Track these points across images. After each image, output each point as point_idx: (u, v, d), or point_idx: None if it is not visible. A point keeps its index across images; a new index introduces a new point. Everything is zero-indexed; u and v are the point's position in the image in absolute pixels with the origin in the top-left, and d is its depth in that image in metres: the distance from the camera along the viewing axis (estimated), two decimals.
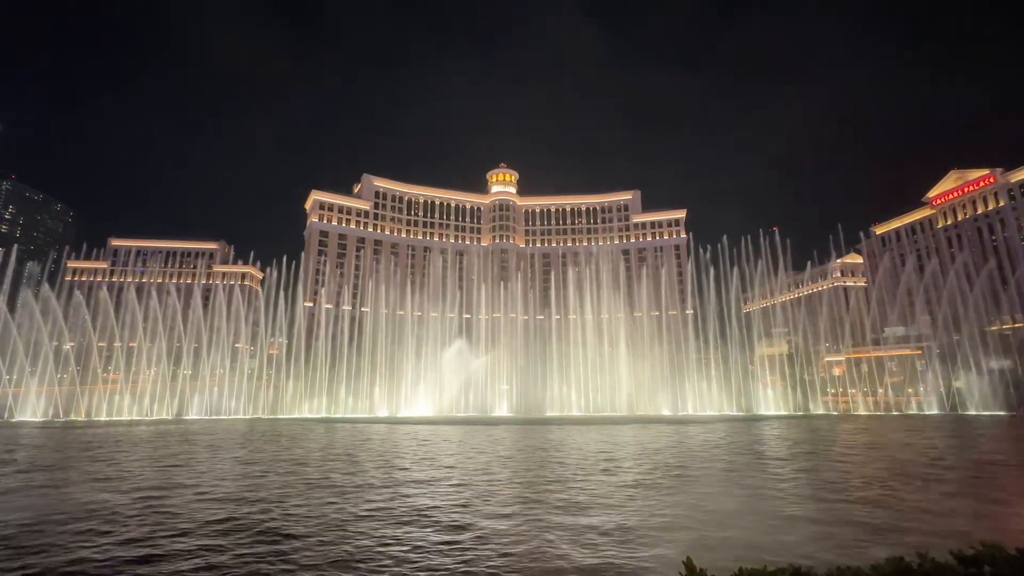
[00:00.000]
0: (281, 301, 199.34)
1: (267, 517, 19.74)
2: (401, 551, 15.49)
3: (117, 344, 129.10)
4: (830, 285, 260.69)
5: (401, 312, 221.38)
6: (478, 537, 16.87)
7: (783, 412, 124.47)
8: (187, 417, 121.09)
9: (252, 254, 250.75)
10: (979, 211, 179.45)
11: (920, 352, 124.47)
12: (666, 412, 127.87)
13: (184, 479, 29.26)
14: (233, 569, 13.70)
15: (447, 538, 16.86)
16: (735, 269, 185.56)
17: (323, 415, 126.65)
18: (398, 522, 19.08)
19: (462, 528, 18.03)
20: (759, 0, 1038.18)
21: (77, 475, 31.28)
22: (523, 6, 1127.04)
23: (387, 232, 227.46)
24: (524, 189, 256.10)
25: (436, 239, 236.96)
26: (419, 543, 16.32)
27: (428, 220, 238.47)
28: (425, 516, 19.97)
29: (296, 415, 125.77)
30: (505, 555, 14.89)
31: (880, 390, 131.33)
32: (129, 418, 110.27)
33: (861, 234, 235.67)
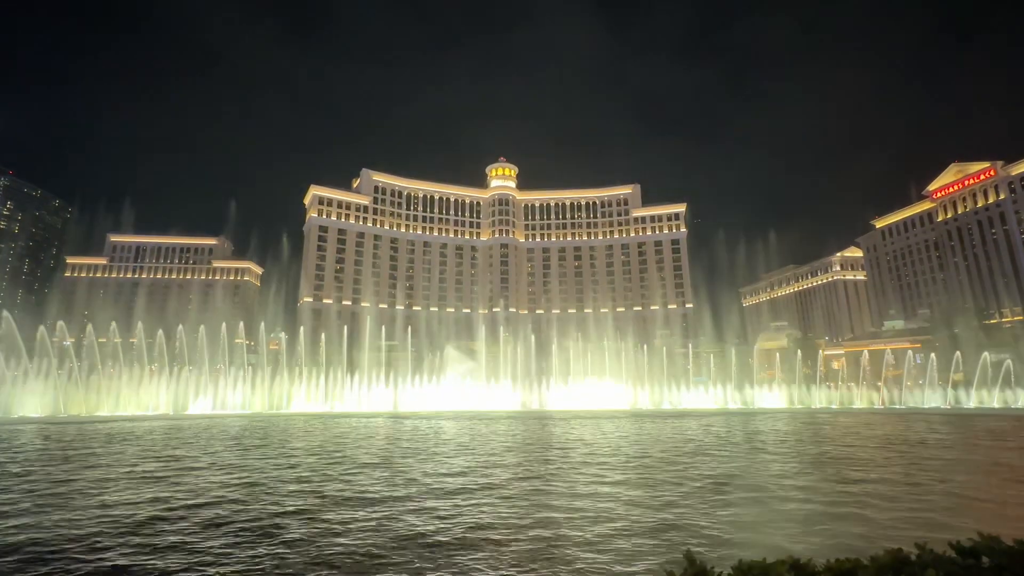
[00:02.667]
0: (281, 296, 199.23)
1: None
2: None
3: (117, 340, 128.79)
4: (830, 279, 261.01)
5: (400, 307, 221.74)
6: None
7: (783, 406, 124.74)
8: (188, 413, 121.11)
9: (251, 249, 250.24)
10: (979, 204, 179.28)
11: (919, 345, 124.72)
12: (667, 406, 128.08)
13: None
14: None
15: None
16: (735, 263, 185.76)
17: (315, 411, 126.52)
18: None
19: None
20: None
21: None
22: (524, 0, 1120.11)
23: (386, 227, 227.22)
24: (524, 183, 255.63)
25: (436, 234, 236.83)
26: None
27: (427, 215, 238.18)
28: None
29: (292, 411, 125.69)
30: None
31: (879, 383, 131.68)
32: (130, 413, 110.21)
33: (861, 227, 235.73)
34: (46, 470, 29.15)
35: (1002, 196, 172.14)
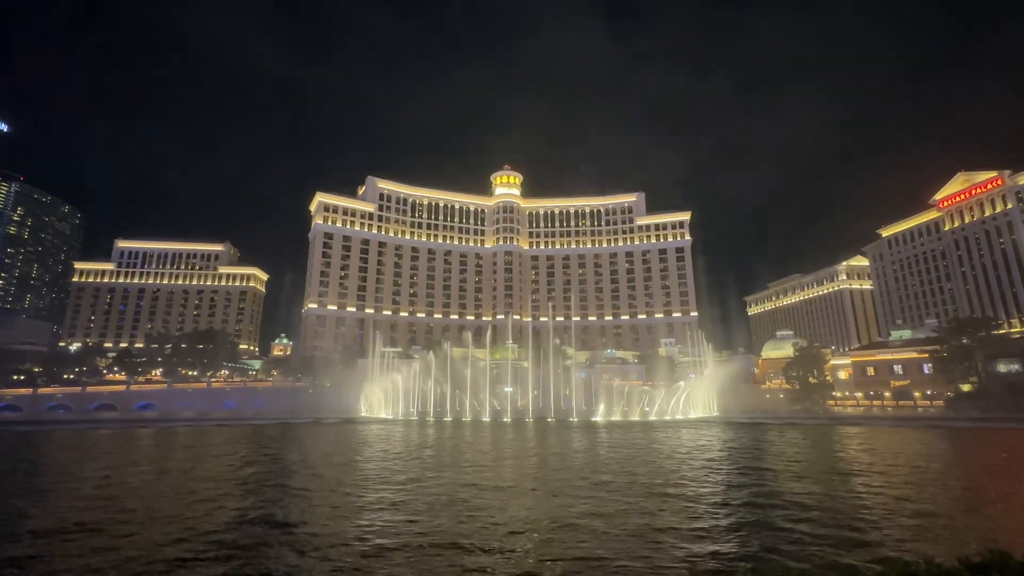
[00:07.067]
0: (286, 302, 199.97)
1: None
2: None
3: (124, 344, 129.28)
4: (836, 288, 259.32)
5: (404, 314, 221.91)
6: None
7: (789, 416, 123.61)
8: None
9: (257, 255, 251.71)
10: (986, 213, 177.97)
11: (927, 355, 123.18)
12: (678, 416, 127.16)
13: None
14: None
15: None
16: (740, 272, 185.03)
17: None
18: None
19: None
20: (766, 4, 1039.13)
21: None
22: (530, 10, 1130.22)
23: (391, 234, 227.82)
24: (528, 191, 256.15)
25: (440, 241, 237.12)
26: None
27: (432, 222, 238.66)
28: None
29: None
30: None
31: (886, 394, 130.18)
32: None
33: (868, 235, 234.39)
34: None
35: (1009, 206, 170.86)
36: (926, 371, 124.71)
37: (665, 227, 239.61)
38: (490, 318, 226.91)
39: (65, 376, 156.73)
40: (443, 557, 18.31)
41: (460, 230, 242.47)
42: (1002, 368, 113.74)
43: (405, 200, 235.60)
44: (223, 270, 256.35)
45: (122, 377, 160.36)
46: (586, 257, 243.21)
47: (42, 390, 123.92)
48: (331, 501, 28.61)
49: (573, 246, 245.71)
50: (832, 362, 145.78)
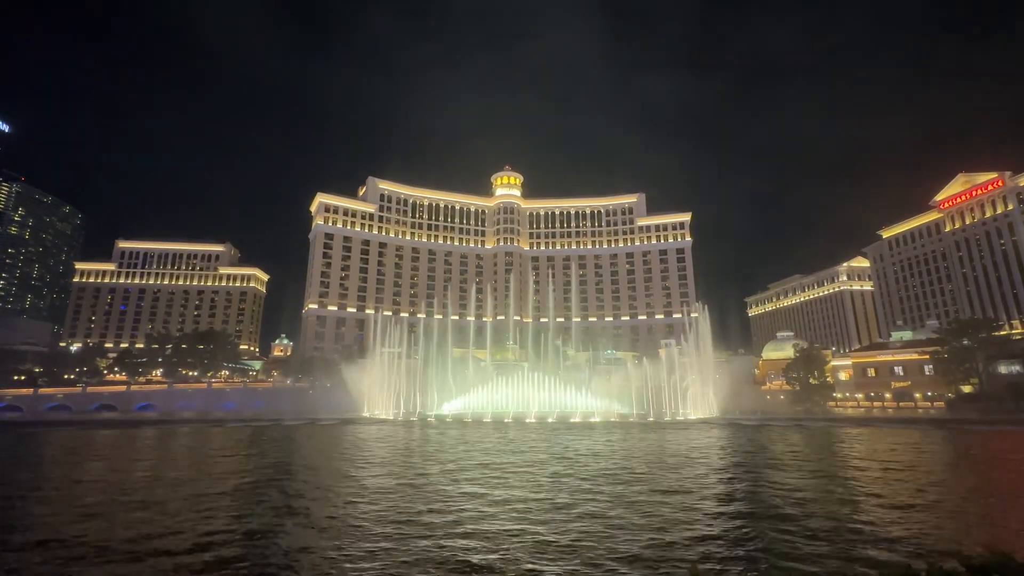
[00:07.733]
0: (286, 302, 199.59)
1: None
2: None
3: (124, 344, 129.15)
4: (836, 289, 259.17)
5: (405, 314, 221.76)
6: None
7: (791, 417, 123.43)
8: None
9: (257, 256, 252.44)
10: (987, 215, 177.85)
11: (927, 356, 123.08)
12: (678, 417, 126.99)
13: None
14: None
15: None
16: (741, 273, 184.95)
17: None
18: None
19: None
20: (768, 7, 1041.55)
21: None
22: (531, 11, 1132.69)
23: (392, 235, 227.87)
24: (529, 192, 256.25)
25: (441, 242, 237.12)
26: None
27: (433, 223, 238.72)
28: None
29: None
30: None
31: (887, 395, 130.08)
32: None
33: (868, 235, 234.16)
34: None
35: (1010, 207, 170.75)
36: (927, 372, 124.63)
37: (665, 228, 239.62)
38: (490, 319, 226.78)
39: (66, 376, 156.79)
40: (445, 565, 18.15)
41: (460, 231, 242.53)
42: (1003, 369, 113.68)
43: (405, 201, 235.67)
44: (223, 271, 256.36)
45: (122, 377, 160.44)
46: (586, 258, 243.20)
47: (43, 390, 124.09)
48: (328, 509, 28.41)
49: (573, 247, 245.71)
50: (833, 363, 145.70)
